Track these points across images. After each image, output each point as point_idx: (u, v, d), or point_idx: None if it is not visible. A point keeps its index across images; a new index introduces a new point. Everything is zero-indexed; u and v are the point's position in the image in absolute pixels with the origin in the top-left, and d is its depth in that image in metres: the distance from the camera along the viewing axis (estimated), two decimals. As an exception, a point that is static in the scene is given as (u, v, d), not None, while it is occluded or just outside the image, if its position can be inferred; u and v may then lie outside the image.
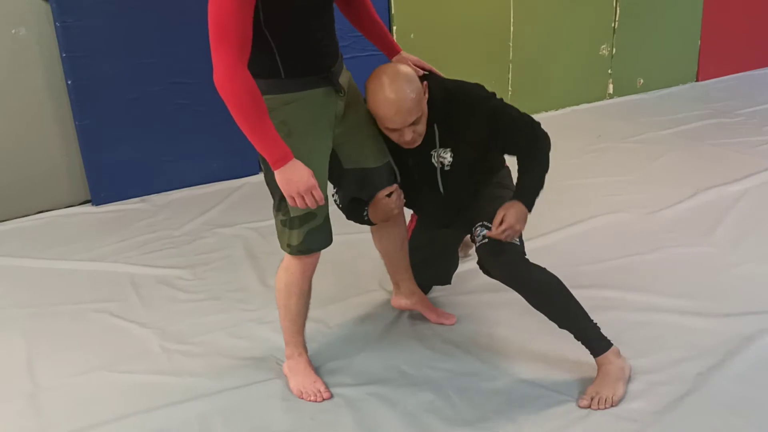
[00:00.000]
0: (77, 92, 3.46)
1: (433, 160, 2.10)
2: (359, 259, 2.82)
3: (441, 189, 2.14)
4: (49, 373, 2.26)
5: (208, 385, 2.16)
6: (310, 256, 2.00)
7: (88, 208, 3.62)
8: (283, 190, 1.79)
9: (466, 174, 2.11)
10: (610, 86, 5.01)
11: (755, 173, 3.56)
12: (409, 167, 2.12)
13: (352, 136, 2.01)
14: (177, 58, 3.60)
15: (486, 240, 1.99)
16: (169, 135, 3.72)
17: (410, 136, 1.96)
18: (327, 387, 2.09)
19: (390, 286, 2.59)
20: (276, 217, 1.98)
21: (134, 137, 3.64)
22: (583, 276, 2.67)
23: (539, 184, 2.02)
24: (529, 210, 1.98)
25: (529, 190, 1.99)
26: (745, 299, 2.47)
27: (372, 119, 2.02)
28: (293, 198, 1.78)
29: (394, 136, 1.98)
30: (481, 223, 2.04)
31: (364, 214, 2.14)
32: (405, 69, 1.95)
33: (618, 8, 4.83)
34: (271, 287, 2.74)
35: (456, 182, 2.12)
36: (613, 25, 4.86)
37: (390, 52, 2.15)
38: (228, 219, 3.40)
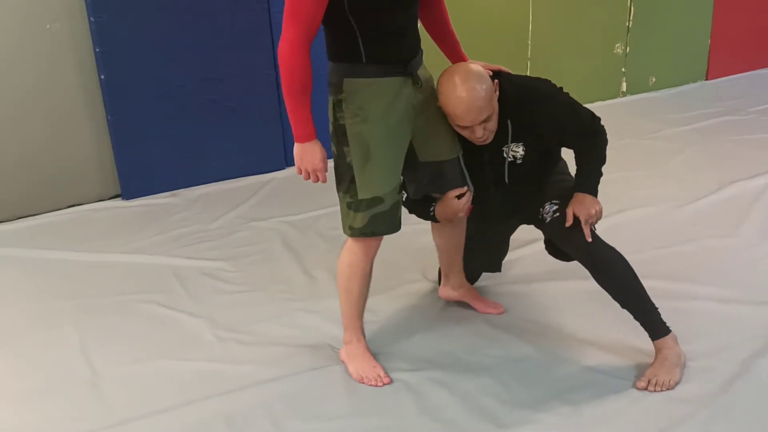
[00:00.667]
0: (110, 87, 3.49)
1: (504, 154, 2.16)
2: (400, 250, 2.86)
3: (507, 182, 2.20)
4: (106, 362, 2.30)
5: (266, 372, 2.20)
6: (373, 238, 2.06)
7: (119, 202, 3.64)
8: (295, 162, 1.98)
9: (533, 166, 2.18)
10: (624, 84, 5.09)
11: (773, 169, 3.65)
12: (483, 163, 2.18)
13: (428, 130, 2.06)
14: (207, 54, 3.63)
15: (558, 214, 2.06)
16: (199, 130, 3.75)
17: (481, 133, 2.01)
18: (386, 372, 2.14)
19: (433, 276, 2.66)
20: (342, 199, 2.05)
21: (164, 132, 3.67)
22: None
23: (599, 174, 2.11)
24: (595, 195, 2.06)
25: (591, 180, 2.10)
26: (782, 289, 2.55)
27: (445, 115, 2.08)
28: (299, 170, 1.98)
29: (465, 133, 2.04)
30: (549, 201, 2.12)
31: (431, 210, 2.19)
32: (476, 68, 2.01)
33: (632, 8, 4.91)
34: (314, 278, 2.79)
35: (523, 175, 2.19)
36: (627, 24, 4.94)
37: (458, 60, 2.20)
38: (260, 213, 3.44)
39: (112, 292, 2.75)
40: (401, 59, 1.95)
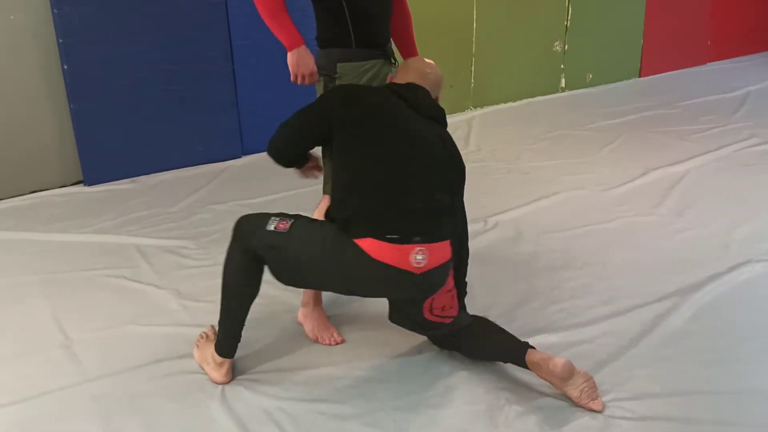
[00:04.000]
0: (72, 77, 3.63)
1: None
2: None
3: None
4: (77, 328, 2.46)
5: (229, 334, 2.40)
6: None
7: (81, 188, 3.78)
8: (290, 68, 2.22)
9: None
10: (563, 80, 5.42)
11: (694, 156, 4.00)
12: None
13: None
14: (167, 45, 3.80)
15: None
16: (158, 119, 3.91)
17: None
18: (339, 333, 2.36)
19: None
20: (327, 164, 2.28)
21: (125, 121, 3.82)
22: (552, 241, 3.04)
23: None
24: None
25: None
26: (689, 258, 2.87)
27: None
28: (296, 75, 2.23)
29: None
30: None
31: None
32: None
33: (570, 8, 5.24)
34: (271, 254, 2.99)
35: None
36: (565, 23, 5.27)
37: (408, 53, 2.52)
38: (219, 197, 3.62)
39: (78, 268, 2.90)
40: (381, 43, 2.28)
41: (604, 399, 2.04)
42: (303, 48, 2.20)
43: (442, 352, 2.27)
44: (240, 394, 2.10)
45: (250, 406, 2.05)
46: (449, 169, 2.12)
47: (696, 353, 2.26)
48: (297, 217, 2.05)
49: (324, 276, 2.03)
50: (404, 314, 2.16)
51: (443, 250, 2.00)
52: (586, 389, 1.99)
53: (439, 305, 2.09)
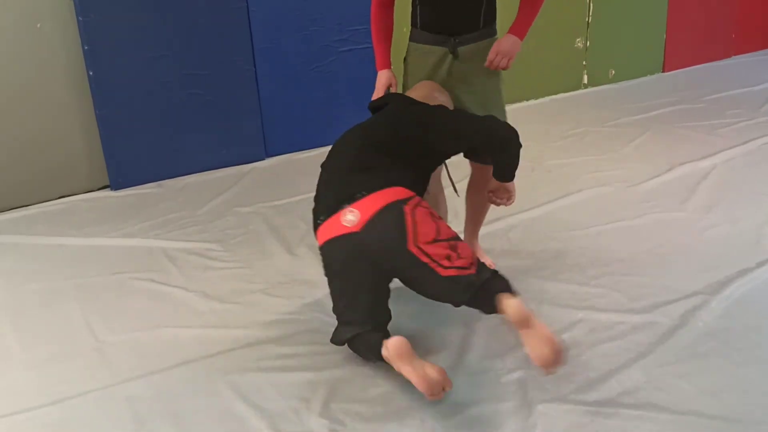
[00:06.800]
0: (98, 83, 3.67)
1: None
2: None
3: None
4: (109, 331, 2.50)
5: (259, 334, 2.42)
6: None
7: (108, 193, 3.83)
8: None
9: None
10: (585, 77, 5.38)
11: (721, 151, 3.96)
12: None
13: (459, 88, 2.47)
14: (190, 51, 3.84)
15: None
16: (183, 123, 3.95)
17: None
18: None
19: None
20: None
21: (150, 125, 3.87)
22: (578, 239, 3.02)
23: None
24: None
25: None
26: (719, 254, 2.83)
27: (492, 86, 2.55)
28: (377, 90, 2.50)
29: None
30: None
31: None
32: None
33: (591, 4, 5.20)
34: (296, 255, 3.01)
35: None
36: (587, 19, 5.23)
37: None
38: (244, 200, 3.65)
39: (108, 272, 2.94)
40: (447, 31, 2.31)
41: (632, 396, 2.03)
42: (380, 72, 2.47)
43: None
44: (270, 394, 2.12)
45: (280, 405, 2.06)
46: (384, 134, 2.24)
47: (726, 350, 2.23)
48: None
49: (337, 288, 2.16)
50: (421, 285, 2.02)
51: (376, 199, 2.05)
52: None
53: (439, 254, 1.95)
